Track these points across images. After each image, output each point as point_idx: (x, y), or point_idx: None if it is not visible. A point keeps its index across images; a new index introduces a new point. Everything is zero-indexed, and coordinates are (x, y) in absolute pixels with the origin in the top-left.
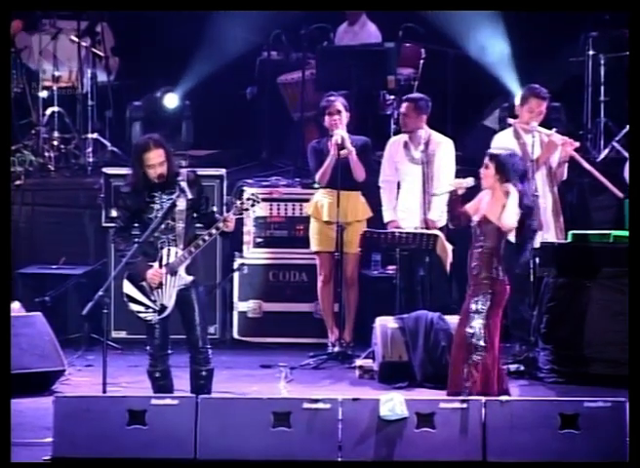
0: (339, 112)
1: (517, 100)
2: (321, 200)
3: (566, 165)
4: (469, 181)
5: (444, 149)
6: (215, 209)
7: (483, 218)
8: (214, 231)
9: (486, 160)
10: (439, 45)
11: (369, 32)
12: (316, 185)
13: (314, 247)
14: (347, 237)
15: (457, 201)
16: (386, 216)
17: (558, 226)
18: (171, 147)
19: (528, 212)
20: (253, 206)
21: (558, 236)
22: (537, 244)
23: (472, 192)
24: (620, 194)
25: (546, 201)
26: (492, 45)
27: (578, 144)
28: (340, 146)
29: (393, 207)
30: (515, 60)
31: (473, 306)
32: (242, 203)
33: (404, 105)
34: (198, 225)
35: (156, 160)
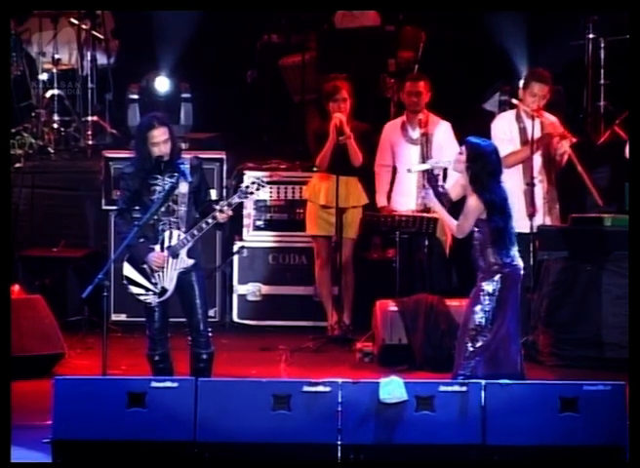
0: (344, 100)
1: (520, 83)
2: (318, 184)
3: (565, 156)
4: (446, 162)
5: (443, 130)
6: (213, 197)
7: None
8: (210, 221)
9: (463, 145)
10: (440, 27)
11: (368, 15)
12: (316, 169)
13: (310, 230)
14: (343, 221)
15: (435, 182)
16: (379, 202)
17: (554, 214)
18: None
19: (490, 208)
20: (258, 190)
21: (554, 223)
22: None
23: None
24: (600, 202)
25: (543, 187)
26: (493, 28)
27: (575, 140)
28: (339, 130)
29: (386, 191)
30: (515, 44)
31: (484, 289)
32: (247, 187)
33: (419, 84)
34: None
35: (160, 138)
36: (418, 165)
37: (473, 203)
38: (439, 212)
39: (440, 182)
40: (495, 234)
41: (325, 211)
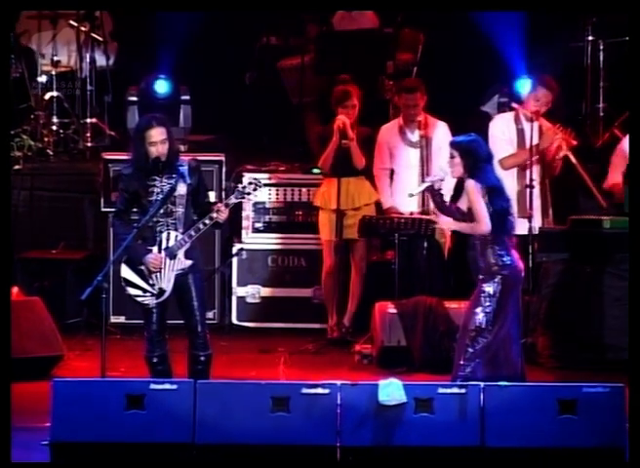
0: (354, 107)
1: (525, 86)
2: (327, 190)
3: (560, 162)
4: (442, 173)
5: (441, 131)
6: (211, 199)
7: (469, 210)
8: (207, 221)
9: (450, 149)
10: (439, 29)
11: (366, 17)
12: (315, 170)
13: (325, 237)
14: (356, 221)
15: (440, 197)
16: (385, 203)
17: (547, 217)
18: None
19: (491, 191)
20: (255, 190)
21: (548, 225)
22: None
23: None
24: (604, 203)
25: (538, 191)
26: (492, 29)
27: (575, 143)
28: (342, 133)
29: (390, 193)
30: (514, 46)
31: (485, 290)
32: (244, 187)
33: (415, 95)
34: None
35: (158, 137)
36: (417, 187)
37: (471, 185)
38: (457, 227)
39: (445, 198)
40: (499, 221)
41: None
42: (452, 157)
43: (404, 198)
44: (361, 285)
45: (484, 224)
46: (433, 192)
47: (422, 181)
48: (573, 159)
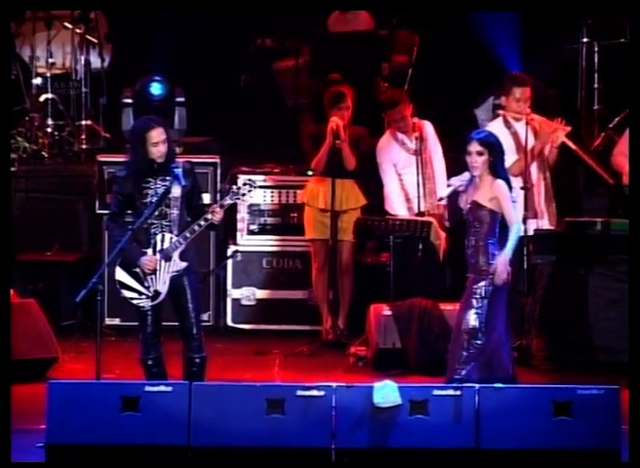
0: (348, 108)
1: (502, 91)
2: (316, 187)
3: (557, 150)
4: (466, 176)
5: (430, 130)
6: (205, 202)
7: (473, 204)
8: (202, 222)
9: (476, 147)
10: (434, 31)
11: (361, 19)
12: (310, 172)
13: (309, 234)
14: (342, 224)
15: (455, 201)
16: (403, 214)
17: (551, 214)
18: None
19: (510, 187)
20: (250, 191)
21: (551, 223)
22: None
23: None
24: (611, 180)
25: (539, 189)
26: (487, 31)
27: (569, 129)
28: (335, 134)
29: (403, 201)
30: (510, 47)
31: (476, 291)
32: (239, 188)
33: (400, 108)
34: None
35: (160, 137)
36: (444, 190)
37: (504, 188)
38: (508, 252)
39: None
40: (504, 219)
41: (324, 214)
42: (480, 155)
43: (407, 202)
44: (350, 286)
45: (517, 222)
46: (452, 196)
47: (419, 169)
48: (571, 144)
